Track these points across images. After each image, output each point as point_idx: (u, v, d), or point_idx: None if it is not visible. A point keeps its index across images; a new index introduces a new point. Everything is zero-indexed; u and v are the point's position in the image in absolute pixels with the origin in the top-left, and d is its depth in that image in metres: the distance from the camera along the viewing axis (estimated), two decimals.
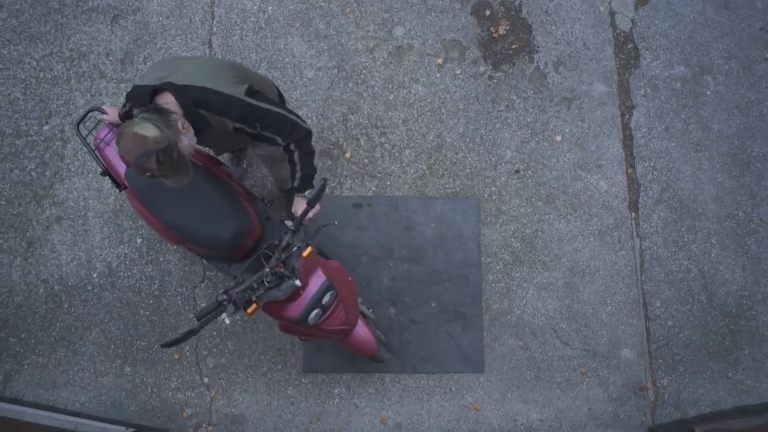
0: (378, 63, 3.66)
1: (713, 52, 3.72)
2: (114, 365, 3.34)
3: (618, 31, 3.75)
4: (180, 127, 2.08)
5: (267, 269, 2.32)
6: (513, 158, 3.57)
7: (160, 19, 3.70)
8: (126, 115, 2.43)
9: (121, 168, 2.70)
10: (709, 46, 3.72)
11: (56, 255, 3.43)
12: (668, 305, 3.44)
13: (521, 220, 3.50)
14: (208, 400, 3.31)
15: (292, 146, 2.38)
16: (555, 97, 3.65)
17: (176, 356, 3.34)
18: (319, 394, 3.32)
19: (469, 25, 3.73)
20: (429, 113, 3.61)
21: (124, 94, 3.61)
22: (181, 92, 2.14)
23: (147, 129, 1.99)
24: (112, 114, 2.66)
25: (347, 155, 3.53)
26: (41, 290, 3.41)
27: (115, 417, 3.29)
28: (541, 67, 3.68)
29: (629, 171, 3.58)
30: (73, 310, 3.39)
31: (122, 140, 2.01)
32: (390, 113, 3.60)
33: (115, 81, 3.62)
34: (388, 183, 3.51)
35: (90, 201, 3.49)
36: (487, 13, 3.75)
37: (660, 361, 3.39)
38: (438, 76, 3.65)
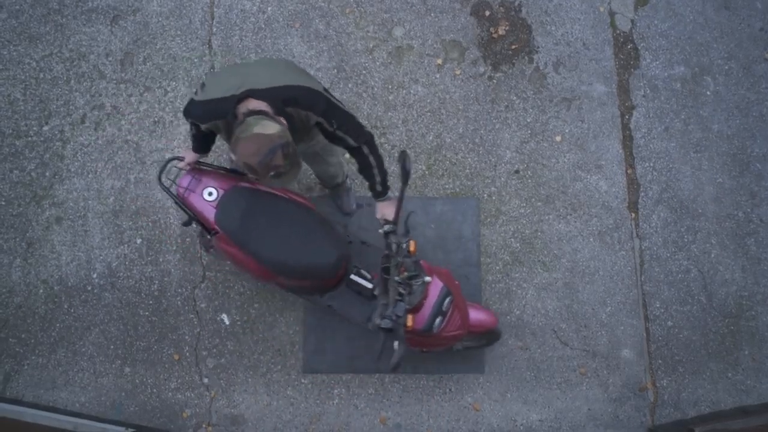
0: (378, 63, 3.66)
1: (713, 53, 3.72)
2: (114, 366, 3.34)
3: (618, 32, 3.75)
4: (283, 121, 2.10)
5: (397, 278, 2.35)
6: (513, 159, 3.57)
7: (160, 19, 3.70)
8: (200, 135, 2.44)
9: (207, 212, 2.64)
10: (708, 47, 3.72)
11: (56, 255, 3.44)
12: (668, 306, 3.44)
13: (521, 220, 3.50)
14: (207, 400, 3.31)
15: (364, 149, 2.37)
16: (555, 97, 3.65)
17: (176, 357, 3.34)
18: (319, 395, 3.32)
19: (469, 25, 3.73)
20: (429, 114, 3.61)
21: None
22: (269, 94, 2.15)
23: (267, 126, 2.00)
24: (189, 157, 2.63)
25: (347, 155, 3.53)
26: (41, 291, 3.41)
27: (114, 417, 3.29)
28: (541, 68, 3.68)
29: (629, 171, 3.58)
30: (72, 310, 3.39)
31: (243, 144, 1.99)
32: (390, 114, 3.60)
33: (114, 81, 3.62)
34: (388, 183, 3.50)
35: (90, 201, 3.49)
36: (487, 13, 3.75)
37: (660, 361, 3.39)
38: (438, 76, 3.65)
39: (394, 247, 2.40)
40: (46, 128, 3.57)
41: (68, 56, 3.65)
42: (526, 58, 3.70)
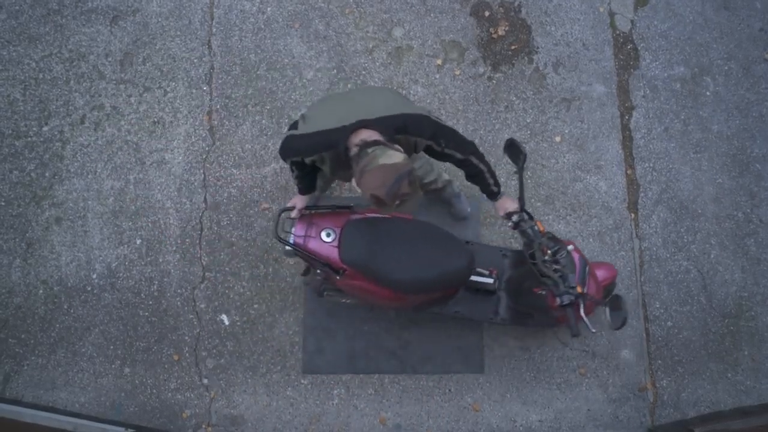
0: (377, 64, 3.66)
1: (713, 53, 3.72)
2: (113, 366, 3.34)
3: (617, 32, 3.74)
4: (398, 147, 2.13)
5: (546, 257, 2.46)
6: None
7: (160, 20, 3.70)
8: (304, 173, 2.46)
9: (331, 253, 2.63)
10: (708, 47, 3.72)
11: (56, 256, 3.44)
12: (668, 306, 3.44)
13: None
14: (207, 401, 3.31)
15: (473, 159, 2.42)
16: (554, 98, 3.65)
17: (176, 357, 3.34)
18: (319, 395, 3.32)
19: (469, 25, 3.73)
20: None
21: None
22: (381, 123, 2.18)
23: (391, 156, 2.03)
24: (300, 203, 2.64)
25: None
26: (41, 291, 3.41)
27: (114, 418, 3.29)
28: (541, 68, 3.68)
29: (629, 172, 3.58)
30: (72, 311, 3.39)
31: (370, 176, 2.02)
32: None
33: (114, 82, 3.63)
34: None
35: (89, 202, 3.49)
36: (487, 13, 3.75)
37: (659, 361, 3.39)
38: (437, 76, 3.65)
39: (530, 232, 2.51)
40: (45, 129, 3.57)
41: (68, 57, 3.65)
42: (525, 58, 3.70)
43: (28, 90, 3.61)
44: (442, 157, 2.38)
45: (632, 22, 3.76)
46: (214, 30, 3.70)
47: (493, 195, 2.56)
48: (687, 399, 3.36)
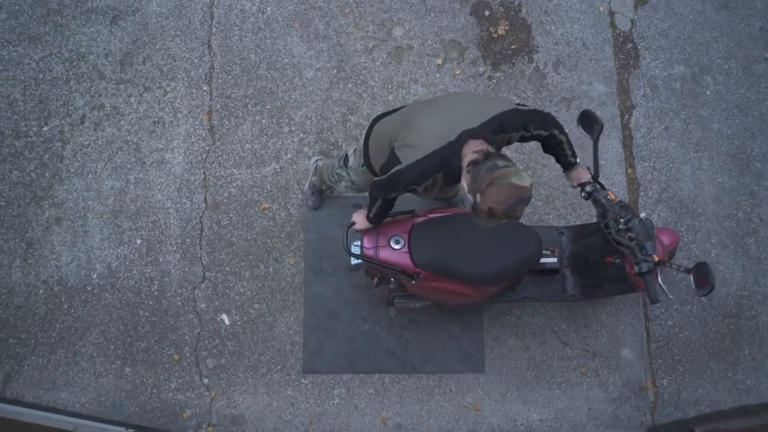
0: (377, 63, 3.66)
1: (713, 52, 3.72)
2: (114, 366, 3.34)
3: (617, 31, 3.74)
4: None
5: (620, 225, 2.50)
6: (512, 158, 3.56)
7: (160, 19, 3.70)
8: (390, 207, 2.48)
9: (403, 260, 2.63)
10: (708, 46, 3.72)
11: (56, 256, 3.44)
12: (668, 305, 3.44)
13: (520, 220, 3.49)
14: (208, 400, 3.31)
15: (556, 132, 2.43)
16: (554, 97, 3.64)
17: (176, 357, 3.34)
18: (319, 395, 3.32)
19: (469, 25, 3.73)
20: None
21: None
22: (484, 130, 2.21)
23: (523, 179, 2.04)
24: (360, 225, 2.64)
25: None
26: (41, 291, 3.41)
27: (115, 418, 3.29)
28: (541, 68, 3.68)
29: (629, 171, 3.58)
30: (72, 311, 3.39)
31: (498, 191, 2.02)
32: None
33: (114, 82, 3.62)
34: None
35: (89, 202, 3.49)
36: (487, 13, 3.75)
37: (660, 361, 3.39)
38: (437, 76, 3.65)
39: (604, 202, 2.54)
40: (45, 129, 3.57)
41: (68, 57, 3.65)
42: (525, 57, 3.70)
43: (28, 90, 3.61)
44: (530, 139, 2.41)
45: (632, 21, 3.76)
46: (214, 30, 3.70)
47: (570, 165, 2.58)
48: (687, 398, 3.35)
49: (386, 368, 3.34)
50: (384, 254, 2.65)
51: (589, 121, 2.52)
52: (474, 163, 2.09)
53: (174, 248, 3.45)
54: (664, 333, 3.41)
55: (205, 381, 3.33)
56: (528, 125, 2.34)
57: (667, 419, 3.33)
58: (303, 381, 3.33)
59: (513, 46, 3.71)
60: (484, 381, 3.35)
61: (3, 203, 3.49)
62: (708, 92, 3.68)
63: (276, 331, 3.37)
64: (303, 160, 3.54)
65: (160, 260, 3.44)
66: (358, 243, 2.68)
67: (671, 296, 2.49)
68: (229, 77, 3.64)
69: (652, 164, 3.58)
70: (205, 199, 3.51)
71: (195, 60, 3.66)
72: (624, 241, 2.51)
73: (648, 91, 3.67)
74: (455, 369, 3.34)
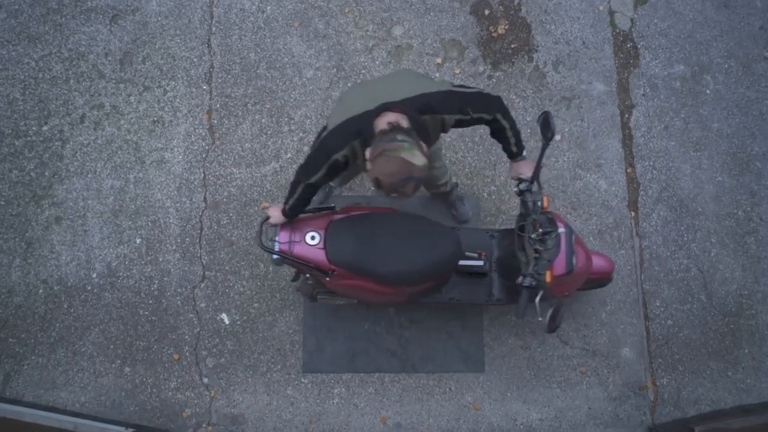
0: (377, 63, 3.66)
1: (713, 51, 3.71)
2: (113, 365, 3.34)
3: (617, 30, 3.74)
4: (425, 147, 2.10)
5: (533, 235, 2.42)
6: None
7: (159, 19, 3.70)
8: (311, 195, 2.45)
9: (317, 256, 2.62)
10: (708, 45, 3.72)
11: (55, 255, 3.43)
12: (668, 304, 3.44)
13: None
14: (207, 400, 3.31)
15: (499, 116, 2.38)
16: (554, 96, 3.64)
17: (176, 356, 3.34)
18: (319, 394, 3.32)
19: (468, 24, 3.73)
20: None
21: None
22: (405, 105, 2.17)
23: (416, 156, 2.01)
24: (275, 218, 2.62)
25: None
26: (40, 291, 3.40)
27: (114, 417, 3.29)
28: (541, 67, 3.68)
29: (629, 170, 3.57)
30: (72, 310, 3.39)
31: (385, 162, 2.01)
32: None
33: (114, 81, 3.62)
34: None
35: (89, 201, 3.49)
36: (486, 12, 3.75)
37: (660, 360, 3.39)
38: (437, 75, 3.65)
39: (530, 204, 2.49)
40: (45, 128, 3.57)
41: (67, 56, 3.65)
42: (525, 57, 3.70)
43: (27, 89, 3.61)
44: (472, 123, 2.36)
45: (632, 20, 3.76)
46: (213, 29, 3.70)
47: (513, 155, 2.53)
48: (687, 397, 3.36)
49: (386, 368, 3.34)
50: (298, 249, 2.63)
51: (545, 124, 2.43)
52: (380, 133, 2.07)
53: (174, 247, 3.45)
54: (664, 332, 3.41)
55: (205, 380, 3.33)
56: (465, 107, 2.28)
57: (667, 418, 3.33)
58: (303, 380, 3.33)
59: (513, 45, 3.71)
60: (484, 380, 3.35)
61: (3, 202, 3.49)
62: (708, 91, 3.67)
63: (276, 330, 3.37)
64: (302, 159, 3.54)
65: (160, 259, 3.44)
66: (278, 239, 2.66)
67: (540, 318, 2.40)
68: (229, 76, 3.64)
69: (651, 163, 3.58)
70: (205, 198, 3.50)
71: (195, 59, 3.66)
72: (528, 250, 2.45)
73: (648, 90, 3.67)
74: (455, 368, 3.34)
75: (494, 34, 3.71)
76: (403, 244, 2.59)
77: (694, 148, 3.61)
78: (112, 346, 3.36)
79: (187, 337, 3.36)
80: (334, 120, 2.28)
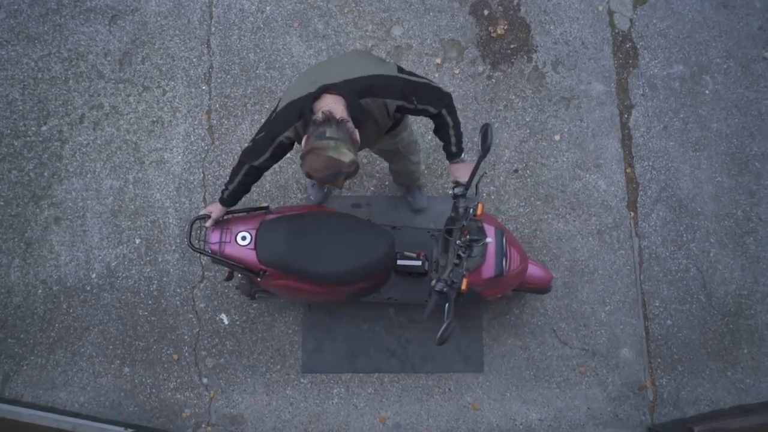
0: None
1: (712, 51, 3.72)
2: (113, 366, 3.34)
3: (616, 31, 3.75)
4: (356, 137, 2.10)
5: (458, 241, 2.39)
6: (511, 158, 3.56)
7: (159, 19, 3.70)
8: (245, 185, 2.46)
9: (248, 256, 2.61)
10: (707, 45, 3.72)
11: (55, 256, 3.43)
12: (667, 304, 3.44)
13: (520, 219, 3.50)
14: (207, 400, 3.31)
15: (443, 112, 2.36)
16: (553, 96, 3.64)
17: (175, 357, 3.34)
18: (318, 395, 3.32)
19: (468, 24, 3.73)
20: None
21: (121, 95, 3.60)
22: (344, 88, 2.16)
23: (343, 154, 2.03)
24: (217, 212, 2.61)
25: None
26: (40, 291, 3.40)
27: (114, 418, 3.29)
28: (540, 67, 3.68)
29: (628, 170, 3.58)
30: (71, 310, 3.39)
31: (314, 159, 2.04)
32: None
33: (113, 81, 3.62)
34: (387, 183, 3.50)
35: (88, 201, 3.49)
36: (486, 12, 3.75)
37: (659, 360, 3.39)
38: (436, 75, 3.65)
39: (461, 210, 2.45)
40: (44, 128, 3.57)
41: (67, 56, 3.65)
42: (524, 57, 3.70)
43: (26, 89, 3.61)
44: (416, 112, 2.33)
45: (631, 20, 3.76)
46: (213, 29, 3.70)
47: (451, 155, 2.50)
48: (686, 397, 3.36)
49: (385, 368, 3.34)
50: (230, 250, 2.62)
51: (485, 135, 2.37)
52: (314, 123, 2.07)
53: (173, 248, 3.44)
54: (663, 332, 3.42)
55: (204, 380, 3.33)
56: (410, 96, 2.26)
57: (667, 418, 3.33)
58: (302, 380, 3.33)
59: (512, 46, 3.71)
60: (484, 380, 3.35)
61: (2, 203, 3.49)
62: (707, 91, 3.68)
63: (275, 330, 3.37)
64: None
65: (159, 260, 3.43)
66: (209, 239, 2.65)
67: (446, 321, 2.25)
68: (228, 77, 3.64)
69: (651, 163, 3.58)
70: (204, 198, 3.50)
71: (194, 59, 3.66)
72: (451, 254, 2.42)
73: (647, 90, 3.67)
74: (454, 368, 3.34)
75: (493, 35, 3.71)
76: (335, 244, 2.59)
77: (693, 148, 3.61)
78: (111, 347, 3.36)
79: (186, 337, 3.36)
80: (283, 102, 2.29)
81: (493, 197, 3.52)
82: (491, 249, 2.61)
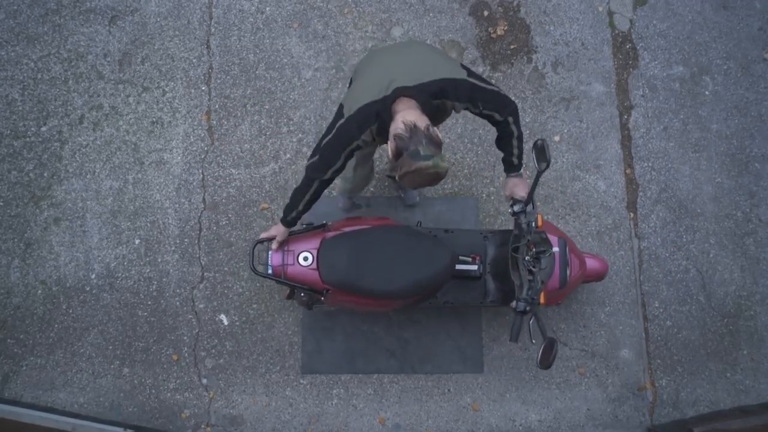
0: None
1: (712, 52, 3.72)
2: (112, 366, 3.34)
3: (616, 32, 3.74)
4: (440, 138, 2.10)
5: (527, 257, 2.39)
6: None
7: (158, 19, 3.70)
8: (317, 197, 2.41)
9: (311, 277, 2.62)
10: (707, 46, 3.72)
11: (54, 256, 3.43)
12: (667, 305, 3.44)
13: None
14: (206, 401, 3.31)
15: (510, 119, 2.35)
16: (553, 97, 3.64)
17: (175, 357, 3.34)
18: (318, 395, 3.32)
19: (468, 25, 3.73)
20: None
21: (122, 93, 3.60)
22: (419, 93, 2.15)
23: (440, 166, 2.04)
24: (281, 234, 2.59)
25: None
26: (39, 291, 3.40)
27: (113, 418, 3.29)
28: (540, 68, 3.68)
29: (628, 171, 3.58)
30: (71, 311, 3.39)
31: (416, 179, 2.05)
32: None
33: (113, 82, 3.62)
34: (386, 183, 3.50)
35: (88, 202, 3.49)
36: (486, 13, 3.75)
37: (659, 361, 3.39)
38: None
39: (524, 226, 2.45)
40: (44, 129, 3.57)
41: (66, 57, 3.65)
42: (524, 58, 3.70)
43: (26, 90, 3.61)
44: (480, 116, 2.34)
45: (631, 21, 3.76)
46: (212, 30, 3.70)
47: (511, 167, 2.49)
48: (686, 398, 3.36)
49: (385, 368, 3.34)
50: (292, 271, 2.63)
51: (540, 153, 2.35)
52: (399, 138, 2.04)
53: (173, 248, 3.44)
54: (663, 333, 3.42)
55: (204, 381, 3.33)
56: (477, 101, 2.26)
57: (666, 419, 3.33)
58: (302, 381, 3.33)
59: (512, 47, 3.71)
60: (483, 381, 3.34)
61: (1, 203, 3.49)
62: (707, 92, 3.68)
63: (275, 331, 3.37)
64: (301, 160, 3.54)
65: (159, 260, 3.43)
66: (271, 262, 2.65)
67: (534, 341, 2.36)
68: (228, 77, 3.64)
69: (650, 164, 3.58)
70: (204, 199, 3.50)
71: (194, 60, 3.65)
72: (522, 271, 2.42)
73: (647, 91, 3.67)
74: (454, 369, 3.34)
75: (493, 35, 3.71)
76: (396, 260, 2.58)
77: (693, 149, 3.61)
78: (110, 347, 3.36)
79: (185, 337, 3.36)
80: (350, 104, 2.23)
81: (493, 198, 3.52)
82: (555, 264, 2.60)
